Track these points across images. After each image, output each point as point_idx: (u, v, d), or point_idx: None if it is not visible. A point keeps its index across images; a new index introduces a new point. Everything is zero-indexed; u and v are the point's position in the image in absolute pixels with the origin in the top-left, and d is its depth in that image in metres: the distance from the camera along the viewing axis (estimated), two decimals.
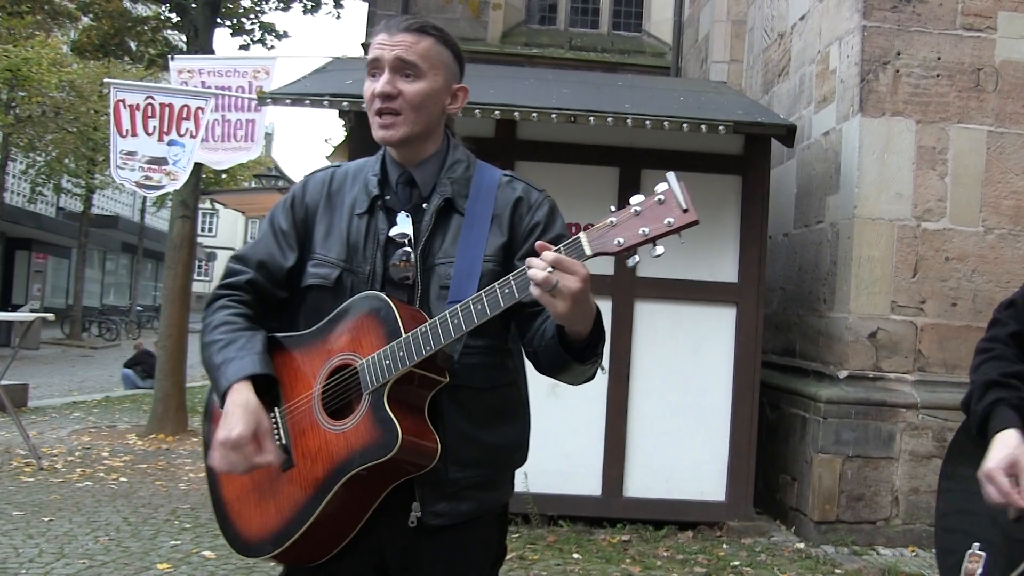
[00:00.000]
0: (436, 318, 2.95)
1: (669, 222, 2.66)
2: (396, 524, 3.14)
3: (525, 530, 9.33)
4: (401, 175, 3.31)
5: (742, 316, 9.97)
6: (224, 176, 39.16)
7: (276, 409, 3.17)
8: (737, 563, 8.76)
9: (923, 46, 9.88)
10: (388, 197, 3.31)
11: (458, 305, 2.91)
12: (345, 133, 15.04)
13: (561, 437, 9.63)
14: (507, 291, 2.83)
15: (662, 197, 2.67)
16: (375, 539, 3.16)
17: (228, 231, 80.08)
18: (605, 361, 9.58)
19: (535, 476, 9.42)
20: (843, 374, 9.81)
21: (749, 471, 9.92)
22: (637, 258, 2.71)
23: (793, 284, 11.54)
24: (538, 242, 2.77)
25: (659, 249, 2.70)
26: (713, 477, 9.89)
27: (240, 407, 3.01)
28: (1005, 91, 9.91)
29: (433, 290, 3.19)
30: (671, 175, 2.72)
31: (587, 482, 9.76)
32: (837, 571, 8.73)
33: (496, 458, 3.30)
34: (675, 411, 9.92)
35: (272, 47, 20.43)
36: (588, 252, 2.72)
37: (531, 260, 2.72)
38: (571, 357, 2.96)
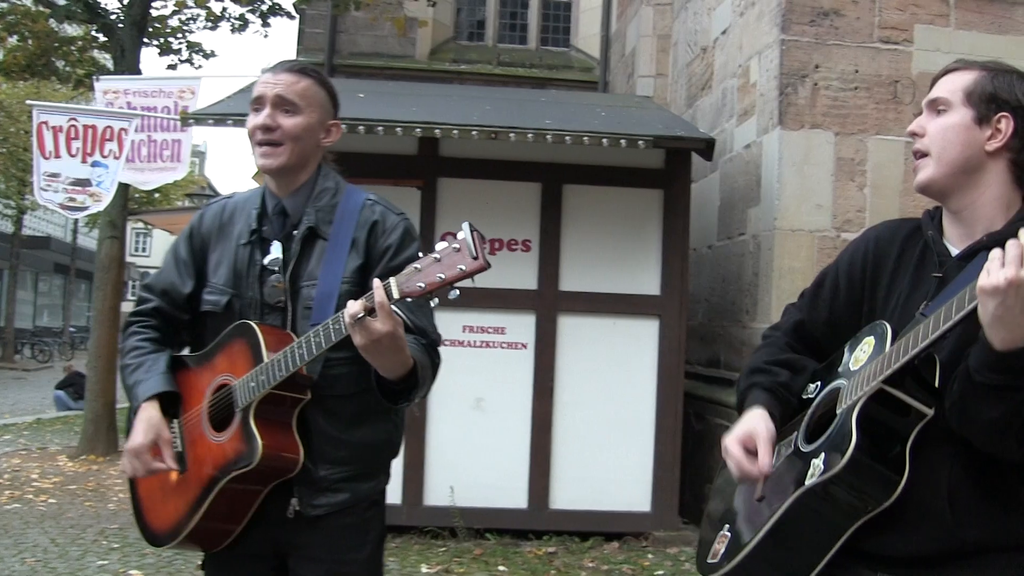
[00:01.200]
0: (288, 348, 3.37)
1: (461, 268, 3.03)
2: (281, 516, 3.57)
3: (452, 543, 9.36)
4: (276, 206, 3.70)
5: (665, 328, 10.05)
6: (156, 195, 38.90)
7: (175, 420, 3.68)
8: (662, 572, 8.85)
9: (841, 59, 10.00)
10: (265, 228, 3.69)
11: (305, 336, 3.33)
12: None
13: (487, 451, 9.68)
14: (336, 326, 3.23)
15: (458, 246, 3.04)
16: (265, 529, 3.59)
17: (161, 251, 79.35)
18: (529, 373, 9.71)
19: (461, 490, 9.47)
20: None
21: (674, 481, 10.01)
22: (436, 300, 3.11)
23: (717, 296, 11.63)
24: (374, 279, 3.12)
25: (454, 292, 3.06)
26: (638, 488, 9.95)
27: (144, 422, 3.55)
28: (921, 103, 10.02)
29: (300, 311, 3.60)
30: (466, 225, 3.08)
31: (513, 495, 9.81)
32: None
33: (363, 455, 3.67)
34: (600, 423, 9.98)
35: (200, 66, 20.28)
36: (396, 295, 3.08)
37: (350, 303, 3.12)
38: (381, 395, 3.41)
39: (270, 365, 3.38)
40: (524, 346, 9.86)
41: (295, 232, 3.63)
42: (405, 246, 3.64)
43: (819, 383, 3.16)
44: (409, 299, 3.09)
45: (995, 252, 2.47)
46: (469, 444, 9.73)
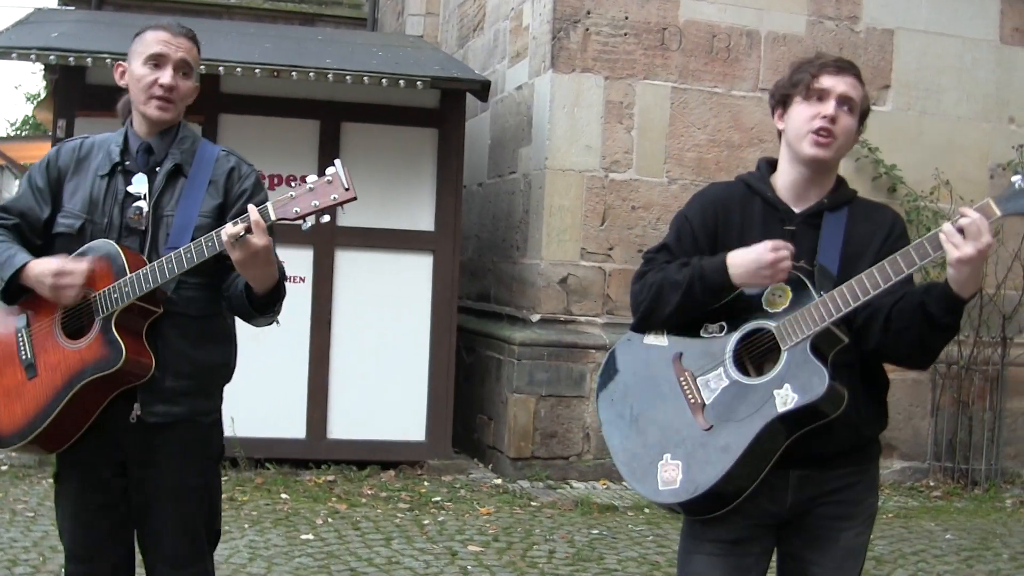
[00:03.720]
0: (155, 262, 3.75)
1: (334, 197, 3.56)
2: (124, 423, 3.87)
3: (233, 473, 9.44)
4: (141, 145, 4.02)
5: (439, 263, 10.32)
6: None
7: (24, 328, 3.97)
8: (439, 499, 9.15)
9: (612, 6, 10.36)
10: (128, 162, 4.01)
11: (172, 253, 3.74)
12: (47, 86, 14.73)
13: (265, 382, 9.74)
14: (209, 244, 3.67)
15: (330, 179, 3.57)
16: (108, 434, 3.90)
17: None
18: (307, 306, 9.87)
19: (241, 421, 9.54)
20: (536, 318, 10.28)
21: (448, 412, 10.32)
22: (310, 223, 3.59)
23: (488, 232, 11.96)
24: (249, 204, 3.65)
25: (326, 217, 3.60)
26: (413, 418, 10.22)
27: (40, 263, 3.81)
28: (688, 50, 10.49)
29: (160, 237, 3.94)
30: (338, 162, 3.63)
31: (292, 425, 9.97)
32: (533, 504, 9.20)
33: (205, 373, 4.04)
34: (376, 356, 10.19)
35: None
36: (272, 217, 3.59)
37: (232, 221, 3.62)
38: (253, 309, 3.85)
39: (136, 278, 3.71)
40: (302, 280, 9.95)
41: (158, 168, 3.98)
42: (257, 191, 4.07)
43: (722, 324, 3.68)
44: (284, 221, 3.58)
45: (947, 227, 3.25)
46: (248, 375, 9.56)
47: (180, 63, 3.94)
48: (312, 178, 3.57)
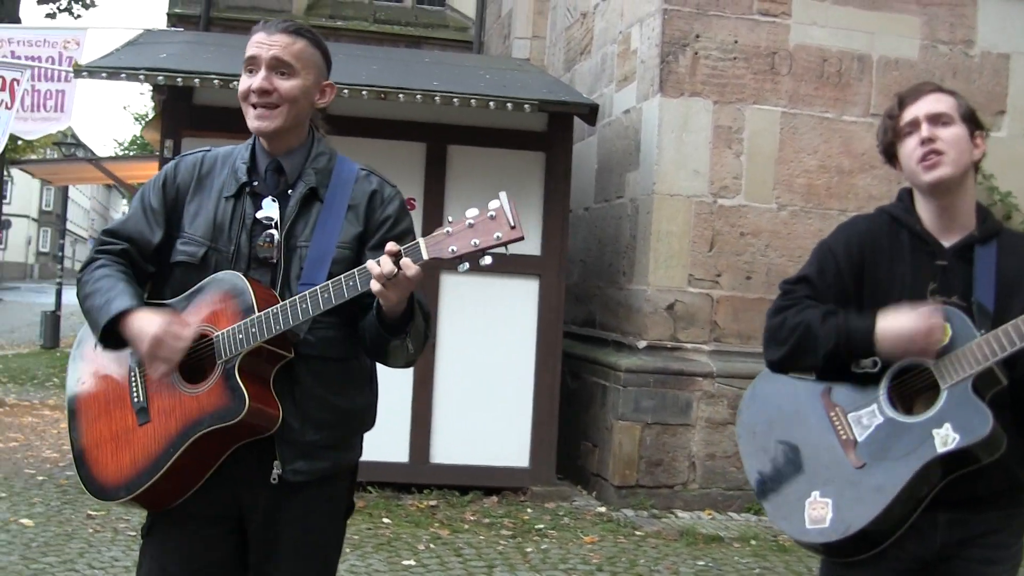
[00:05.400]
0: (287, 301, 3.35)
1: (498, 236, 3.13)
2: (257, 481, 3.50)
3: None
4: (270, 163, 3.62)
5: (545, 288, 10.25)
6: (20, 143, 38.17)
7: (137, 369, 3.54)
8: (542, 526, 9.06)
9: (721, 29, 10.26)
10: (256, 183, 3.61)
11: (307, 292, 3.34)
12: (155, 106, 14.91)
13: None
14: (351, 283, 3.28)
15: (493, 214, 3.14)
16: (233, 493, 3.52)
17: (23, 199, 77.58)
18: None
19: None
20: (642, 344, 10.16)
21: (552, 438, 10.23)
22: (467, 265, 3.17)
23: (593, 257, 11.87)
24: (389, 243, 3.17)
25: (487, 259, 3.17)
26: (517, 444, 10.16)
27: (140, 318, 3.40)
28: (798, 74, 10.35)
29: (293, 270, 3.55)
30: (503, 195, 3.18)
31: (395, 449, 9.93)
32: (637, 533, 9.08)
33: (347, 421, 3.67)
34: (480, 380, 10.15)
35: (79, 16, 20.11)
36: (425, 257, 3.15)
37: (381, 258, 3.15)
38: (384, 332, 3.39)
39: (264, 318, 3.34)
40: None
41: (290, 191, 3.59)
42: (403, 217, 3.68)
43: (875, 358, 3.54)
44: (438, 261, 3.16)
45: None
46: None
47: (273, 62, 3.50)
48: (472, 212, 3.15)
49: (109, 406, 3.59)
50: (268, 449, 3.48)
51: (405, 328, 3.41)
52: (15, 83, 12.06)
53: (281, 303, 3.36)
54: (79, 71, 9.62)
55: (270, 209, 3.57)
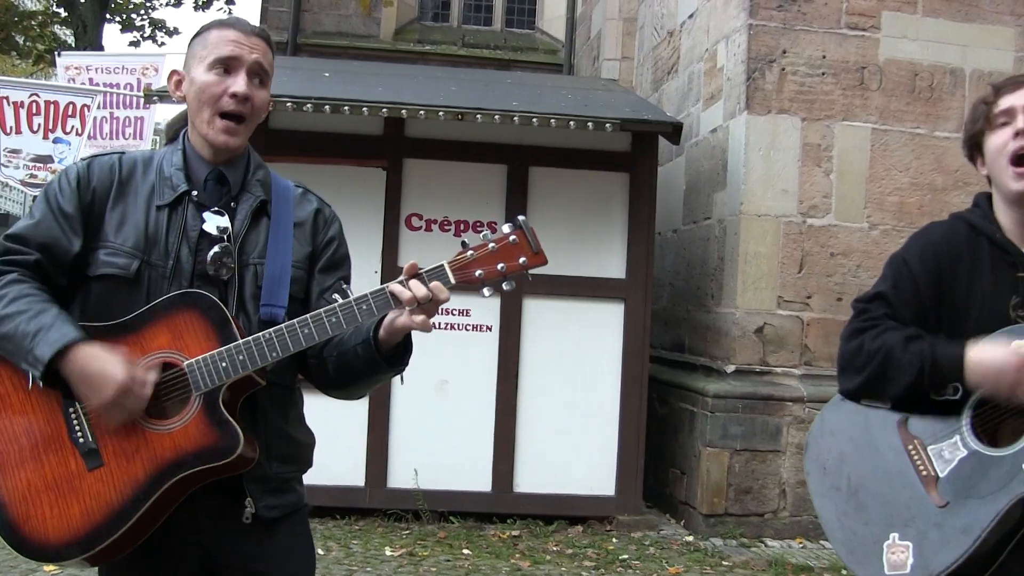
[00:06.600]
0: (284, 326, 3.07)
1: (523, 261, 3.05)
2: (227, 521, 3.21)
3: (416, 527, 9.33)
4: (211, 172, 3.30)
5: (630, 312, 10.03)
6: None
7: (77, 405, 3.08)
8: (626, 556, 8.84)
9: (808, 45, 10.01)
10: (195, 193, 3.27)
11: (309, 316, 3.06)
12: None
13: (451, 434, 9.66)
14: (364, 307, 3.05)
15: (515, 238, 3.05)
16: (196, 535, 3.20)
17: None
18: (494, 356, 9.69)
19: (425, 472, 9.44)
20: (730, 368, 9.92)
21: (638, 465, 10.00)
22: (491, 290, 3.08)
23: (682, 280, 11.64)
24: (409, 262, 3.03)
25: (510, 284, 3.08)
26: (602, 472, 9.94)
27: (99, 357, 2.97)
28: (888, 89, 10.06)
29: (248, 288, 3.24)
30: (522, 218, 3.10)
31: (477, 478, 9.78)
32: (725, 563, 8.83)
33: (303, 453, 3.45)
34: (564, 407, 9.95)
35: (163, 43, 20.24)
36: (452, 281, 3.04)
37: (410, 282, 3.00)
38: (384, 362, 3.16)
39: (256, 344, 3.04)
40: (489, 328, 9.82)
41: (233, 203, 3.30)
42: (343, 240, 3.50)
43: (956, 385, 3.27)
44: (464, 285, 3.05)
45: None
46: (433, 427, 9.68)
47: (256, 67, 3.24)
48: (491, 236, 3.07)
49: (38, 449, 3.07)
50: (234, 486, 3.17)
51: (406, 359, 3.24)
52: (85, 108, 12.09)
53: (276, 328, 3.07)
54: (150, 96, 9.59)
55: (219, 222, 3.24)
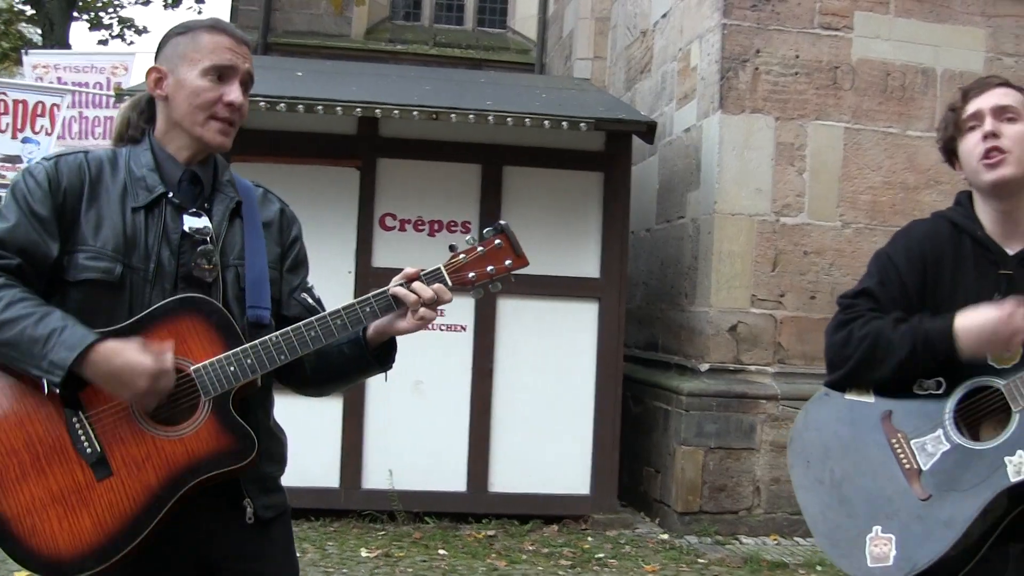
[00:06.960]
0: (290, 329, 3.11)
1: (508, 263, 3.24)
2: (228, 523, 3.21)
3: (391, 527, 9.32)
4: (184, 173, 3.25)
5: (605, 311, 10.04)
6: None
7: (80, 414, 3.01)
8: (602, 555, 8.86)
9: (782, 44, 10.04)
10: (172, 194, 3.22)
11: (314, 319, 3.13)
12: None
13: (425, 434, 9.64)
14: (368, 309, 3.16)
15: (500, 242, 3.24)
16: (194, 537, 3.16)
17: None
18: (468, 356, 9.69)
19: (400, 473, 9.44)
20: (704, 367, 9.94)
21: (613, 464, 10.01)
22: (480, 293, 3.30)
23: (655, 279, 11.66)
24: (409, 268, 3.19)
25: (497, 286, 3.27)
26: (577, 471, 9.95)
27: (119, 352, 2.91)
28: (861, 89, 10.10)
29: (231, 290, 3.22)
30: (504, 223, 3.30)
31: (452, 478, 9.77)
32: (700, 561, 8.85)
33: (285, 453, 3.47)
34: (539, 406, 9.95)
35: (132, 43, 20.17)
36: (450, 284, 3.21)
37: (415, 285, 3.16)
38: (375, 361, 3.32)
39: (263, 348, 3.06)
40: (463, 328, 9.81)
41: (207, 205, 3.27)
42: (302, 242, 3.52)
43: (940, 379, 3.32)
44: (460, 287, 3.23)
45: None
46: (407, 427, 9.66)
47: (247, 76, 3.25)
48: (477, 239, 3.24)
49: (40, 462, 2.96)
50: (230, 487, 3.16)
51: (392, 356, 3.38)
52: (55, 108, 12.00)
53: (283, 332, 3.09)
54: (120, 95, 9.55)
55: (199, 223, 3.22)
